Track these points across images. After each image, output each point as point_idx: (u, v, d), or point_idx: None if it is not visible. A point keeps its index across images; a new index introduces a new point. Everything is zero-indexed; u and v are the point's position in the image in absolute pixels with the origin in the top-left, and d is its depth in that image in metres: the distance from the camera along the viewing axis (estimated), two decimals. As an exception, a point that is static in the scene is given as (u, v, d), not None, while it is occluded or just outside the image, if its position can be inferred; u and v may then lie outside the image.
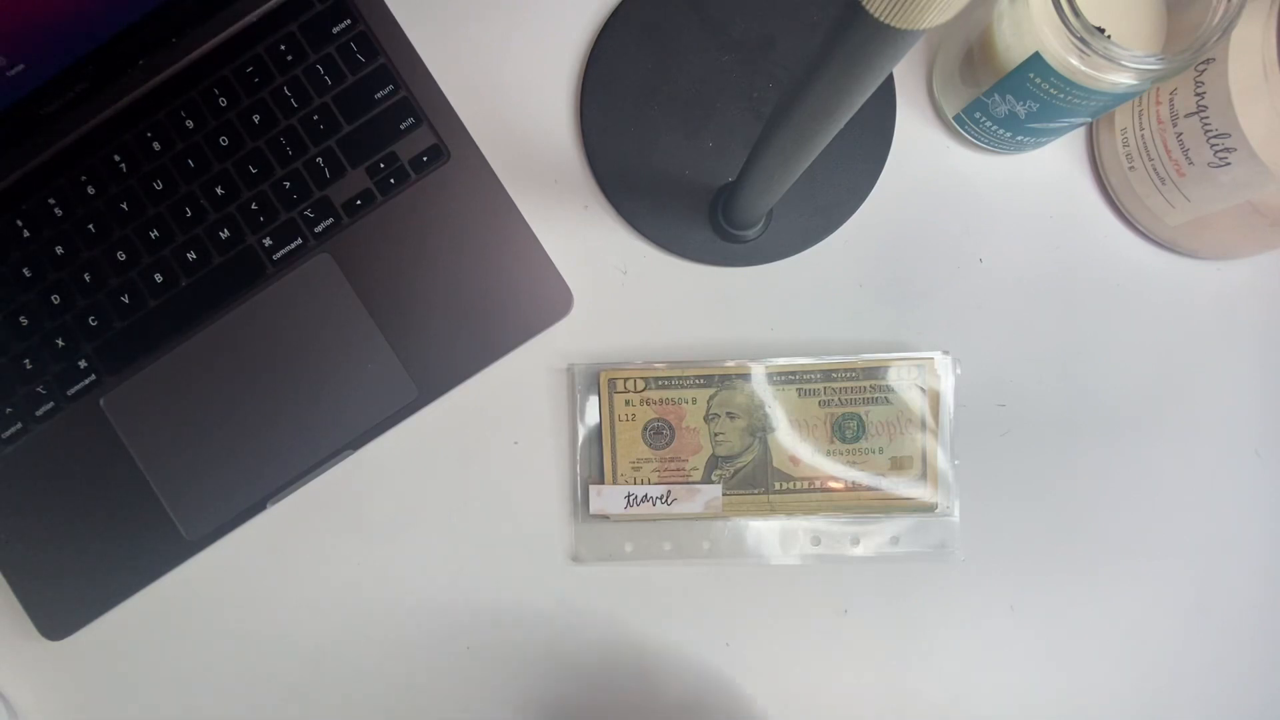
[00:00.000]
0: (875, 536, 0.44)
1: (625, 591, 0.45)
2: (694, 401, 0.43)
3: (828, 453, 0.43)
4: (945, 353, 0.43)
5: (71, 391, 0.45)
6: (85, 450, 0.45)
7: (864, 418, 0.43)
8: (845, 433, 0.43)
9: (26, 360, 0.45)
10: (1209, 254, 0.45)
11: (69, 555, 0.44)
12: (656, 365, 0.44)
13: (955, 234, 0.46)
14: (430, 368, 0.45)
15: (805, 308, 0.46)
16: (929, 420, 0.43)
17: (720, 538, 0.44)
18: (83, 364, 0.45)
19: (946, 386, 0.43)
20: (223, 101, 0.45)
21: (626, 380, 0.44)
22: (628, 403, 0.44)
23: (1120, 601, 0.44)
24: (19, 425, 0.45)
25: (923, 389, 0.43)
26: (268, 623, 0.45)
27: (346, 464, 0.45)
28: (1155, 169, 0.42)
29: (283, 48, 0.45)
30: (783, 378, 0.43)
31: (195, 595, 0.45)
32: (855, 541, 0.44)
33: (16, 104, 0.43)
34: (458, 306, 0.45)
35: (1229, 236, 0.43)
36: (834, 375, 0.43)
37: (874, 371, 0.43)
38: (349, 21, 0.45)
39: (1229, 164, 0.38)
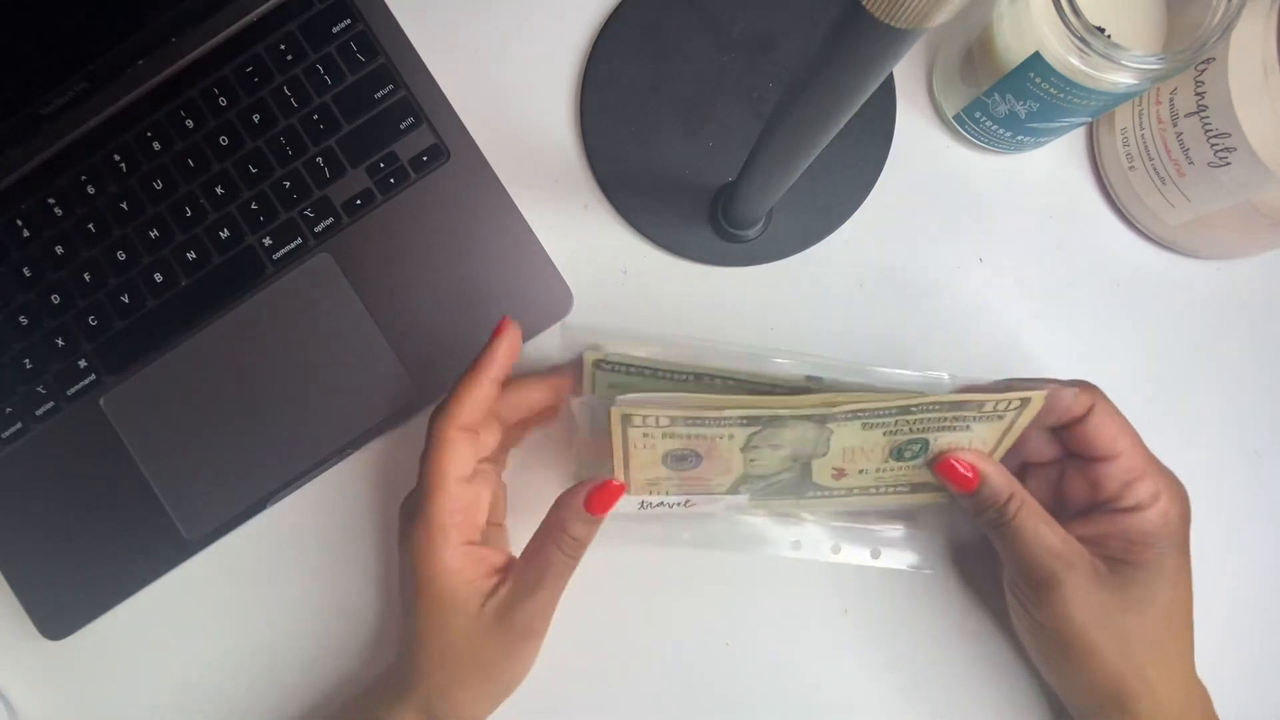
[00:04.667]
0: (896, 548, 0.43)
1: (625, 592, 0.45)
2: (730, 438, 0.35)
3: (878, 470, 0.39)
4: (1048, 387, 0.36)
5: (71, 391, 0.45)
6: (85, 450, 0.45)
7: (931, 442, 0.37)
8: (904, 454, 0.38)
9: (26, 360, 0.45)
10: (1209, 254, 0.45)
11: (69, 555, 0.44)
12: (685, 400, 0.34)
13: (955, 234, 0.46)
14: (430, 368, 0.45)
15: (805, 308, 0.46)
16: (1000, 446, 0.38)
17: (719, 531, 0.44)
18: (83, 364, 0.45)
19: (1027, 422, 0.37)
20: (222, 101, 0.45)
21: (645, 418, 0.34)
22: (646, 435, 0.35)
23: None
24: (19, 425, 0.45)
25: (1004, 419, 0.37)
26: (267, 622, 0.45)
27: (346, 464, 0.45)
28: (1155, 169, 0.42)
29: (282, 47, 0.45)
30: (847, 416, 0.35)
31: (195, 595, 0.45)
32: (876, 555, 0.44)
33: (16, 104, 0.43)
34: (458, 306, 0.45)
35: (1229, 236, 0.43)
36: (912, 410, 0.35)
37: (962, 405, 0.35)
38: (349, 21, 0.45)
39: (1229, 164, 0.38)
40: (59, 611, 0.44)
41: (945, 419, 0.36)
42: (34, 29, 0.41)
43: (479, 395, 0.37)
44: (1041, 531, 0.37)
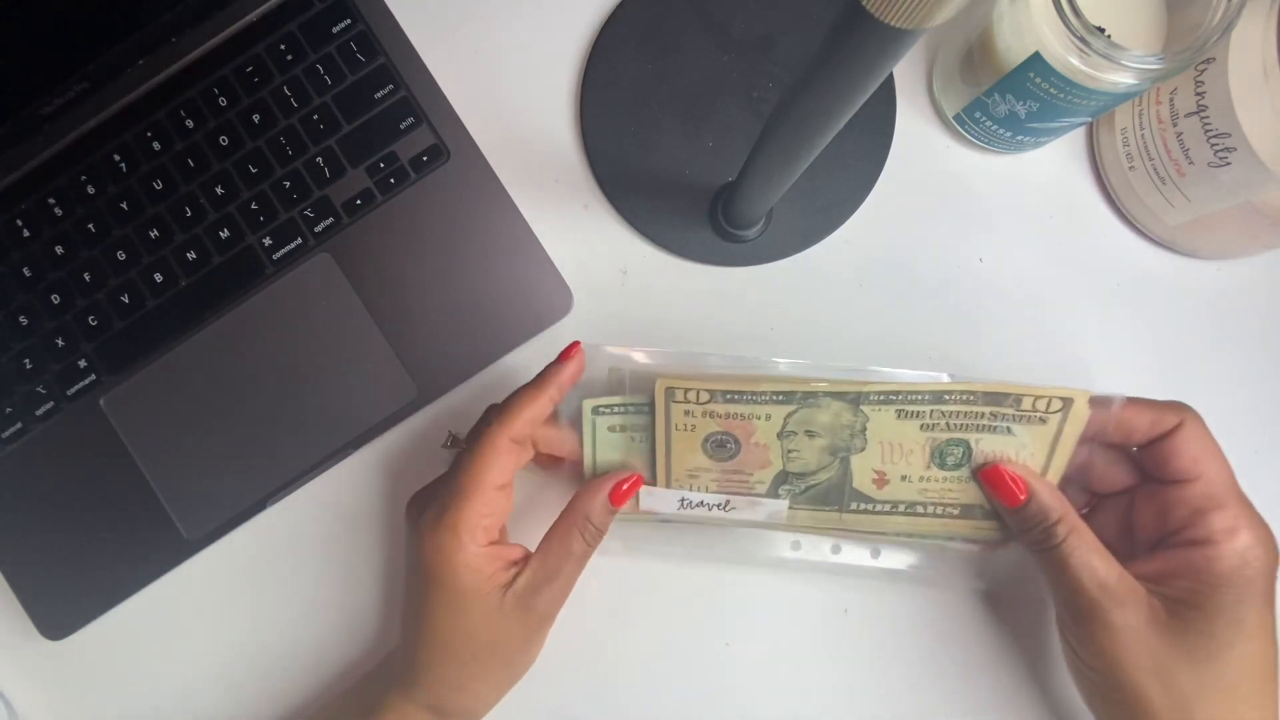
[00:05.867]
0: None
1: (625, 592, 0.45)
2: (767, 418, 0.37)
3: (921, 478, 0.37)
4: (1096, 396, 0.36)
5: (71, 391, 0.45)
6: (85, 450, 0.45)
7: (972, 445, 0.36)
8: (946, 460, 0.37)
9: (26, 360, 0.45)
10: (1209, 254, 0.45)
11: (69, 555, 0.44)
12: (725, 377, 0.37)
13: (955, 234, 0.46)
14: (430, 368, 0.45)
15: (805, 308, 0.46)
16: (1054, 459, 0.36)
17: (720, 534, 0.44)
18: (83, 364, 0.45)
19: (1077, 431, 0.36)
20: (222, 101, 0.45)
21: (687, 391, 0.37)
22: (687, 413, 0.37)
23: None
24: (19, 425, 0.45)
25: (1047, 423, 0.36)
26: (268, 622, 0.45)
27: (346, 464, 0.45)
28: (1155, 169, 0.42)
29: (282, 47, 0.45)
30: (880, 398, 0.36)
31: (195, 595, 0.45)
32: (876, 555, 0.43)
33: (16, 104, 0.43)
34: (458, 306, 0.45)
35: (1229, 236, 0.43)
36: (946, 398, 0.35)
37: (999, 398, 0.35)
38: (349, 21, 0.45)
39: (1229, 164, 0.38)
40: (59, 611, 0.44)
41: (983, 416, 0.36)
42: (34, 29, 0.41)
43: (536, 411, 0.37)
44: (1092, 561, 0.33)
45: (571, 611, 0.44)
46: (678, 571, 0.44)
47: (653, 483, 0.39)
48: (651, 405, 0.38)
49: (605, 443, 0.39)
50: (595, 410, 0.38)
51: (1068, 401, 0.35)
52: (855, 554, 0.44)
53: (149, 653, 0.45)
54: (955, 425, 0.36)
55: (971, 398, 0.35)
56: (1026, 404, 0.35)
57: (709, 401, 0.37)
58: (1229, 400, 0.45)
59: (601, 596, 0.45)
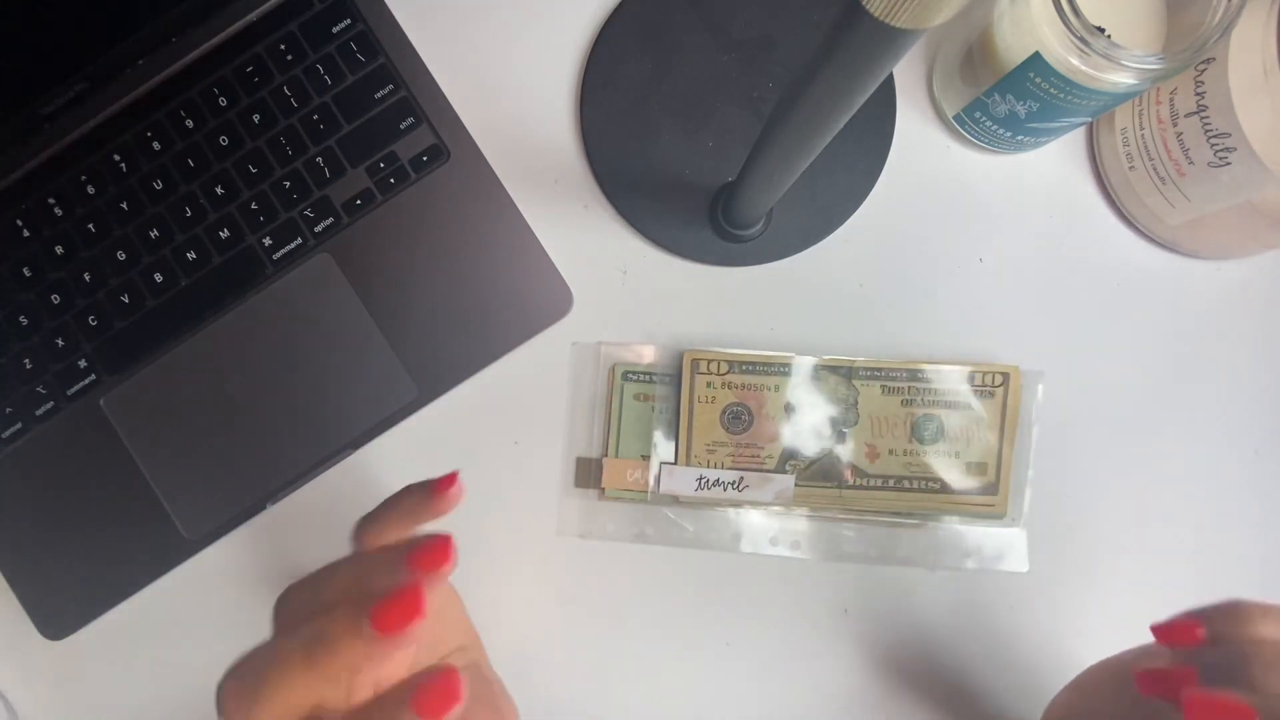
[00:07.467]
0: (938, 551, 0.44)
1: (626, 593, 0.45)
2: (776, 389, 0.43)
3: (905, 452, 0.43)
4: (1034, 370, 0.43)
5: (71, 391, 0.45)
6: (85, 450, 0.45)
7: (944, 420, 0.43)
8: (924, 434, 0.43)
9: (26, 360, 0.45)
10: (1209, 254, 0.45)
11: (69, 555, 0.44)
12: (741, 351, 0.43)
13: (955, 234, 0.46)
14: (430, 367, 0.45)
15: (805, 308, 0.46)
16: (1005, 430, 0.43)
17: (722, 529, 0.44)
18: (83, 364, 0.45)
19: (1026, 400, 0.43)
20: (222, 101, 0.45)
21: (710, 363, 0.42)
22: (709, 385, 0.43)
23: (1118, 601, 0.44)
24: (19, 425, 0.45)
25: (995, 396, 0.43)
26: (267, 622, 0.45)
27: (346, 464, 0.45)
28: (1155, 169, 0.42)
29: (282, 47, 0.45)
30: (868, 373, 0.43)
31: (195, 595, 0.45)
32: (876, 555, 0.44)
33: (16, 104, 0.43)
34: (458, 306, 0.45)
35: (1229, 236, 0.43)
36: (919, 376, 0.43)
37: (950, 376, 0.43)
38: (349, 21, 0.45)
39: (1229, 164, 0.38)
40: (59, 611, 0.44)
41: (947, 393, 0.43)
42: (34, 29, 0.41)
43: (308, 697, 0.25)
44: None
45: (572, 614, 0.44)
46: (678, 571, 0.44)
47: (673, 461, 0.43)
48: (678, 378, 0.43)
49: (630, 410, 0.43)
50: (625, 375, 0.43)
51: (1005, 375, 0.43)
52: (855, 554, 0.44)
53: (149, 653, 0.45)
54: (928, 401, 0.43)
55: (939, 377, 0.43)
56: (978, 379, 0.43)
57: (728, 373, 0.42)
58: (1228, 400, 0.45)
59: (601, 599, 0.45)
